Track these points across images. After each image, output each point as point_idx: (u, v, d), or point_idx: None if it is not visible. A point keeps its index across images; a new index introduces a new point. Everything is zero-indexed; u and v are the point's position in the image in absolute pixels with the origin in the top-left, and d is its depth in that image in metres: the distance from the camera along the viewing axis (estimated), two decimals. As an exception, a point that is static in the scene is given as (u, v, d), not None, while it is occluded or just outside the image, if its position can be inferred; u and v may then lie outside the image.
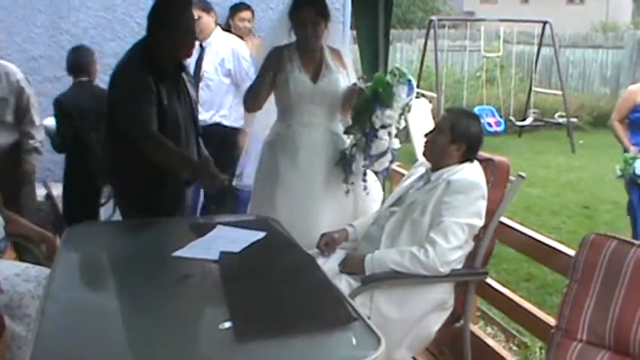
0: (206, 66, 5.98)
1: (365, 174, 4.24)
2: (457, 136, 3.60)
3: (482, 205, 3.50)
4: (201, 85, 5.83)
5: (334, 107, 4.32)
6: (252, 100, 4.40)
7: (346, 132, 4.27)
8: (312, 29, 4.20)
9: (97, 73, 5.58)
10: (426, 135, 3.78)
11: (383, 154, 4.18)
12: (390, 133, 4.16)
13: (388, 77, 4.10)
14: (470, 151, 3.63)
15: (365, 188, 4.29)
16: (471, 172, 3.57)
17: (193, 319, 2.61)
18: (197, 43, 5.01)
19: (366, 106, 4.10)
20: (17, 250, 4.19)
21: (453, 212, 3.43)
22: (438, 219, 3.45)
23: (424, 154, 3.80)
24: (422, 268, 3.40)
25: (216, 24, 6.15)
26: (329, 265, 3.57)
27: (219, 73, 5.99)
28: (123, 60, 4.00)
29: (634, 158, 6.22)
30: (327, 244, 3.78)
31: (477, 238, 3.59)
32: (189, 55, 4.14)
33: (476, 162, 3.67)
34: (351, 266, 3.55)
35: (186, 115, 4.05)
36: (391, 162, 4.31)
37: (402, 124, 4.21)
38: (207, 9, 6.02)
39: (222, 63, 5.98)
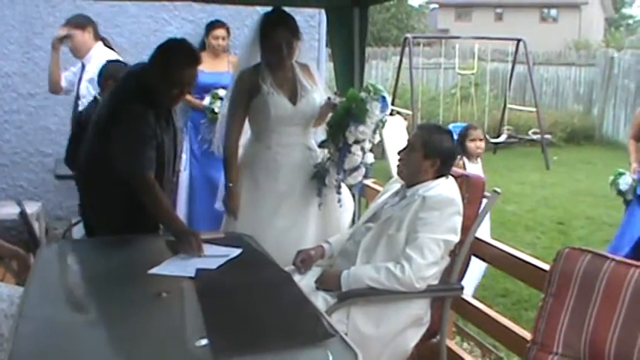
0: (82, 84, 5.77)
1: (339, 187, 4.24)
2: (431, 152, 3.61)
3: (458, 221, 3.51)
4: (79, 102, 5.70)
5: (310, 124, 4.35)
6: (230, 138, 4.38)
7: (320, 146, 4.30)
8: (287, 49, 4.20)
9: None
10: (399, 153, 3.79)
11: (356, 168, 4.20)
12: (363, 148, 4.17)
13: (362, 93, 4.12)
14: (444, 166, 3.65)
15: (339, 201, 4.29)
16: (446, 188, 3.58)
17: (170, 336, 2.59)
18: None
19: (339, 121, 4.12)
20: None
21: (428, 228, 3.44)
22: (413, 235, 3.46)
23: (398, 173, 3.81)
24: (398, 284, 3.40)
25: (98, 39, 5.88)
26: (305, 281, 3.57)
27: (89, 90, 5.68)
28: (123, 95, 3.92)
29: (622, 174, 6.29)
30: (304, 261, 3.78)
31: (453, 254, 3.61)
32: (171, 105, 4.05)
33: (451, 178, 3.68)
34: (327, 283, 3.55)
35: (171, 147, 4.03)
36: (365, 177, 4.34)
37: (377, 139, 4.22)
38: (82, 25, 5.78)
39: (91, 80, 5.68)
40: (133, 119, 3.78)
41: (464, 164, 6.13)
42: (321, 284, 3.56)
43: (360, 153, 4.15)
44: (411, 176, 3.69)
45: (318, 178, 4.27)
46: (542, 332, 2.60)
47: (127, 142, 3.76)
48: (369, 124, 4.09)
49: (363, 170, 4.24)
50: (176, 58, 3.83)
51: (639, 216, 6.27)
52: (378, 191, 4.40)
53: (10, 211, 6.11)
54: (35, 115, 6.92)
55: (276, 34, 4.17)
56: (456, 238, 3.52)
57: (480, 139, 6.19)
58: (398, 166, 3.80)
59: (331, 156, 4.21)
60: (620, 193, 6.32)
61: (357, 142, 4.11)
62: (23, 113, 6.90)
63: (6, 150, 6.93)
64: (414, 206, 3.52)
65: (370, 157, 4.25)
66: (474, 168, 6.12)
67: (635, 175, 6.29)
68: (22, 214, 5.57)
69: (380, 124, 4.18)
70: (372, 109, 4.08)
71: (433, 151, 3.62)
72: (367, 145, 4.19)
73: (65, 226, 6.85)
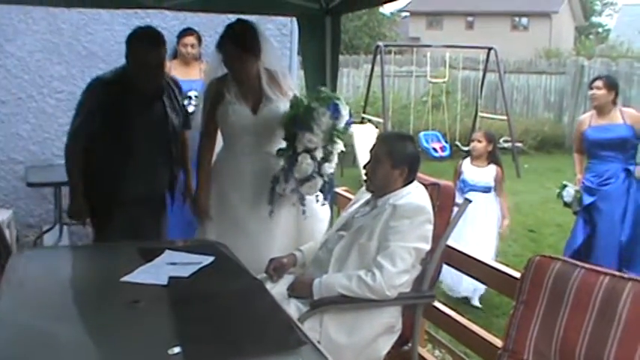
0: None
1: (302, 198, 4.22)
2: (398, 162, 3.63)
3: (429, 229, 3.54)
4: None
5: (275, 133, 4.32)
6: (200, 146, 4.47)
7: (277, 154, 4.24)
8: (239, 65, 4.23)
9: None
10: (364, 166, 3.80)
11: (308, 178, 4.13)
12: (313, 157, 4.10)
13: (313, 103, 4.09)
14: (412, 172, 3.68)
15: (303, 212, 4.27)
16: (416, 197, 3.60)
17: (142, 344, 2.58)
18: None
19: (287, 129, 4.13)
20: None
21: (399, 237, 3.46)
22: (385, 243, 3.48)
23: (367, 186, 3.82)
24: (369, 292, 3.42)
25: None
26: (277, 289, 3.58)
27: None
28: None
29: (565, 186, 6.39)
30: (276, 269, 3.79)
31: (424, 262, 3.62)
32: (146, 88, 4.31)
33: (420, 185, 3.71)
34: (299, 290, 3.56)
35: (150, 134, 4.33)
36: (325, 187, 4.24)
37: (338, 148, 4.16)
38: None
39: None
40: (83, 92, 4.39)
41: (460, 165, 6.31)
42: (293, 291, 3.58)
43: (310, 162, 4.08)
44: (381, 188, 3.70)
45: (271, 186, 4.24)
46: (513, 339, 2.63)
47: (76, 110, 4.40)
48: (317, 132, 4.04)
49: (318, 181, 4.16)
50: (136, 40, 4.23)
51: (580, 226, 6.39)
52: (349, 199, 4.41)
53: (-19, 218, 6.07)
54: (7, 122, 6.86)
55: (227, 50, 4.23)
56: (427, 246, 3.55)
57: (479, 140, 6.43)
58: (366, 179, 3.81)
59: (283, 164, 4.19)
60: (565, 204, 6.43)
61: (307, 150, 4.07)
62: (-6, 120, 6.85)
63: (-23, 157, 6.88)
64: (385, 215, 3.54)
65: (328, 168, 4.16)
66: (475, 171, 6.40)
67: (579, 185, 6.40)
68: (-6, 221, 5.54)
69: (336, 133, 4.12)
70: (319, 117, 4.03)
71: (400, 160, 3.64)
72: (319, 154, 4.12)
73: (36, 234, 6.81)
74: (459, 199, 6.04)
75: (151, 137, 4.33)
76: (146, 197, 4.45)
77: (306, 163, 4.07)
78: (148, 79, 4.27)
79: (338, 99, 4.14)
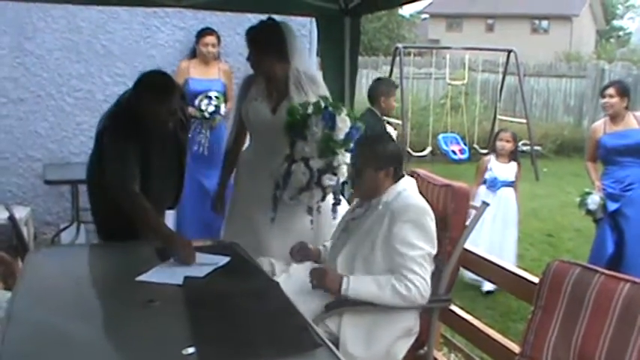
0: None
1: (310, 208, 4.06)
2: (381, 164, 3.55)
3: (432, 226, 3.47)
4: None
5: None
6: (227, 140, 4.54)
7: (284, 159, 4.07)
8: (256, 64, 4.23)
9: None
10: (348, 177, 3.76)
11: (306, 187, 3.98)
12: (309, 167, 3.93)
13: (304, 109, 3.96)
14: (397, 170, 3.60)
15: (311, 222, 4.12)
16: (410, 195, 3.54)
17: (157, 343, 2.58)
18: None
19: (287, 135, 4.02)
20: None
21: (410, 246, 3.39)
22: (397, 253, 3.40)
23: (356, 195, 3.78)
24: (402, 300, 3.38)
25: None
26: (292, 281, 3.54)
27: None
28: (109, 119, 4.09)
29: (589, 193, 6.35)
30: (301, 250, 3.77)
31: (441, 265, 3.59)
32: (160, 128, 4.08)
33: (407, 177, 3.65)
34: (329, 282, 3.45)
35: (166, 164, 4.17)
36: (326, 198, 4.05)
37: (343, 160, 3.93)
38: None
39: None
40: (115, 141, 3.94)
41: (488, 161, 6.56)
42: (319, 282, 3.47)
43: (305, 171, 3.93)
44: (371, 193, 3.63)
45: (274, 192, 4.12)
46: (531, 345, 2.60)
47: (112, 158, 3.92)
48: (310, 142, 3.91)
49: (317, 192, 4.00)
50: (146, 97, 3.91)
51: (608, 234, 6.33)
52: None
53: (-1, 215, 6.09)
54: (25, 119, 6.90)
55: (248, 48, 4.23)
56: (435, 248, 3.49)
57: (507, 140, 6.82)
58: (353, 189, 3.76)
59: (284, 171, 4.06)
60: (589, 212, 6.40)
61: (303, 159, 3.94)
62: (13, 118, 6.87)
63: (-5, 154, 6.91)
64: (384, 224, 3.46)
65: (329, 180, 3.95)
66: (502, 167, 6.78)
67: (601, 192, 6.34)
68: (11, 218, 5.55)
69: (333, 145, 3.91)
70: (312, 126, 3.90)
71: (382, 161, 3.55)
72: (315, 164, 3.93)
73: (54, 232, 6.84)
74: (487, 196, 6.33)
75: (165, 168, 4.21)
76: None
77: (300, 172, 3.94)
78: (158, 124, 4.02)
79: (337, 108, 3.94)
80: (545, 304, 2.60)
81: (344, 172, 3.97)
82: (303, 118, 3.92)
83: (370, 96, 6.51)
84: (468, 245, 3.74)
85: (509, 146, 6.79)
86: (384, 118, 6.53)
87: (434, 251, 3.48)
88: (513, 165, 6.84)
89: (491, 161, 6.84)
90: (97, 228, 4.36)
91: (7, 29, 6.75)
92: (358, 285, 3.42)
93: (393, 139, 3.78)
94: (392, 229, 3.42)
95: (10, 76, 6.81)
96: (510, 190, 6.79)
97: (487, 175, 6.77)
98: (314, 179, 3.95)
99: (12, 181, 6.97)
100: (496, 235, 6.65)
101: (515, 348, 3.08)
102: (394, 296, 3.36)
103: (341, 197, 4.04)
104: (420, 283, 3.36)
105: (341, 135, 3.91)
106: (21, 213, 6.40)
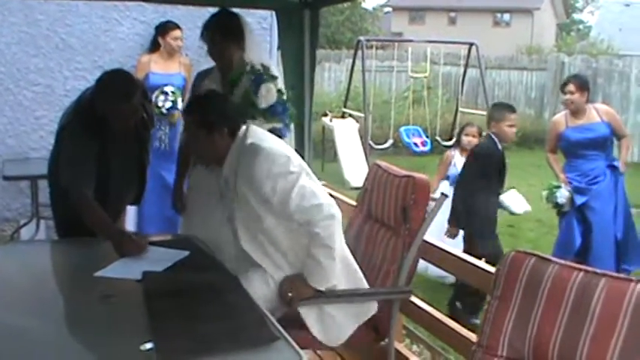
0: None
1: None
2: (212, 125, 3.39)
3: (278, 150, 3.36)
4: None
5: None
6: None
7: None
8: (221, 53, 4.26)
9: None
10: (185, 146, 3.86)
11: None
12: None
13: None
14: (234, 126, 3.46)
15: None
16: (248, 144, 3.39)
17: (114, 339, 2.57)
18: None
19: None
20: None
21: (274, 186, 3.25)
22: (277, 204, 3.27)
23: (200, 163, 3.78)
24: (329, 242, 3.26)
25: None
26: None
27: None
28: (71, 113, 4.05)
29: (557, 187, 6.41)
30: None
31: (401, 257, 3.60)
32: (119, 130, 4.03)
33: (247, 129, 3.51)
34: (302, 292, 3.35)
35: (127, 162, 4.14)
36: None
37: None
38: None
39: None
40: (74, 140, 3.90)
41: (452, 156, 6.52)
42: (299, 294, 3.34)
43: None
44: (213, 157, 3.48)
45: None
46: (487, 335, 2.62)
47: (67, 156, 3.91)
48: (235, 98, 4.08)
49: None
50: (108, 97, 3.87)
51: (575, 227, 6.43)
52: (331, 196, 4.38)
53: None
54: (-18, 115, 6.82)
55: (211, 38, 4.27)
56: (297, 162, 3.36)
57: (474, 135, 6.83)
58: (194, 158, 3.75)
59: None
60: (557, 205, 6.46)
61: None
62: (-29, 113, 6.80)
63: (-48, 150, 6.82)
64: (241, 183, 3.35)
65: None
66: None
67: (568, 185, 6.42)
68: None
69: (253, 109, 4.08)
70: (240, 83, 4.14)
71: (213, 122, 3.40)
72: None
73: (13, 228, 6.77)
74: (449, 190, 6.34)
75: (126, 167, 4.17)
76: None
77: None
78: (120, 124, 3.98)
79: (270, 79, 4.16)
80: (501, 293, 2.62)
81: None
82: (238, 77, 4.08)
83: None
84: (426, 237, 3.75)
85: (475, 141, 6.71)
86: (345, 110, 6.54)
87: (296, 168, 3.32)
88: None
89: (456, 156, 6.85)
90: (56, 225, 4.32)
91: (-39, 21, 6.67)
92: (322, 276, 3.33)
93: (220, 97, 3.69)
94: (252, 186, 3.30)
95: (-34, 70, 6.73)
96: None
97: (451, 171, 6.79)
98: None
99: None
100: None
101: (475, 338, 3.10)
102: (326, 241, 3.24)
103: None
104: (320, 214, 3.23)
105: (264, 104, 4.01)
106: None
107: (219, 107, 3.50)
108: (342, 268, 3.43)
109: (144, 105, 4.21)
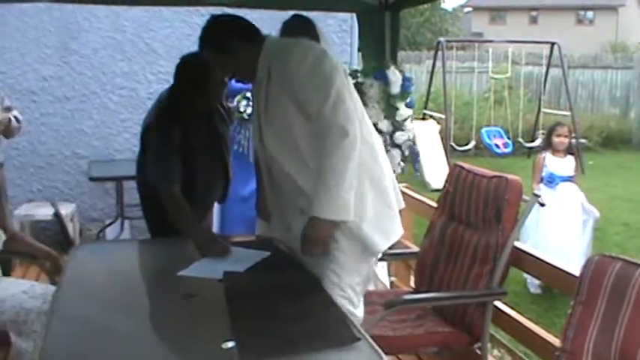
0: None
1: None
2: (223, 42, 3.32)
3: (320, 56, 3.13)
4: None
5: None
6: None
7: None
8: None
9: None
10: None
11: None
12: (380, 131, 4.12)
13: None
14: (244, 34, 3.37)
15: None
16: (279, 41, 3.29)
17: (196, 338, 2.60)
18: None
19: None
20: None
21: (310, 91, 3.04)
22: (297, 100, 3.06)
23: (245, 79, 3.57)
24: (348, 150, 2.97)
25: None
26: None
27: None
28: (153, 111, 4.10)
29: None
30: None
31: (494, 259, 3.57)
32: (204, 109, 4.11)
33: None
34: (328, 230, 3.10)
35: (211, 158, 4.18)
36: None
37: (405, 113, 4.17)
38: None
39: None
40: (157, 135, 3.95)
41: (544, 158, 6.57)
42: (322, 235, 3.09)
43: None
44: (244, 72, 3.35)
45: None
46: (571, 340, 2.58)
47: (154, 156, 3.96)
48: (370, 107, 4.19)
49: (396, 153, 4.24)
50: (187, 75, 3.96)
51: None
52: (412, 197, 4.35)
53: (46, 211, 6.23)
54: (71, 118, 7.02)
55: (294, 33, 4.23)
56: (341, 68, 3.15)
57: (565, 136, 6.74)
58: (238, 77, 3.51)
59: None
60: None
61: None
62: (59, 116, 6.99)
63: (42, 152, 7.03)
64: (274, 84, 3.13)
65: (401, 137, 4.21)
66: (559, 163, 6.69)
67: None
68: (57, 214, 5.66)
69: (393, 99, 4.19)
70: (366, 90, 4.26)
71: (220, 40, 3.34)
72: (384, 127, 4.14)
73: (99, 228, 6.94)
74: (547, 193, 6.38)
75: (210, 162, 4.21)
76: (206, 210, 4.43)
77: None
78: (204, 103, 4.08)
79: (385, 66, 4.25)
80: (585, 298, 2.57)
81: (409, 126, 3.95)
82: (355, 87, 3.80)
83: None
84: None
85: (567, 141, 6.71)
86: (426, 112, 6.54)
87: (339, 79, 3.06)
88: (570, 159, 6.75)
89: (547, 157, 6.75)
90: (148, 224, 4.36)
91: (53, 29, 6.88)
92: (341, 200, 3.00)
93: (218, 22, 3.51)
94: (284, 86, 3.08)
95: (55, 75, 6.94)
96: (571, 184, 6.70)
97: (543, 172, 6.69)
98: (387, 141, 3.94)
99: (58, 178, 7.08)
100: (561, 231, 6.58)
101: (558, 343, 3.05)
102: (340, 153, 2.95)
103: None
104: (338, 119, 2.95)
105: (396, 89, 3.94)
106: (67, 209, 6.52)
107: (218, 28, 3.43)
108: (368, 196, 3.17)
109: (221, 102, 4.29)
